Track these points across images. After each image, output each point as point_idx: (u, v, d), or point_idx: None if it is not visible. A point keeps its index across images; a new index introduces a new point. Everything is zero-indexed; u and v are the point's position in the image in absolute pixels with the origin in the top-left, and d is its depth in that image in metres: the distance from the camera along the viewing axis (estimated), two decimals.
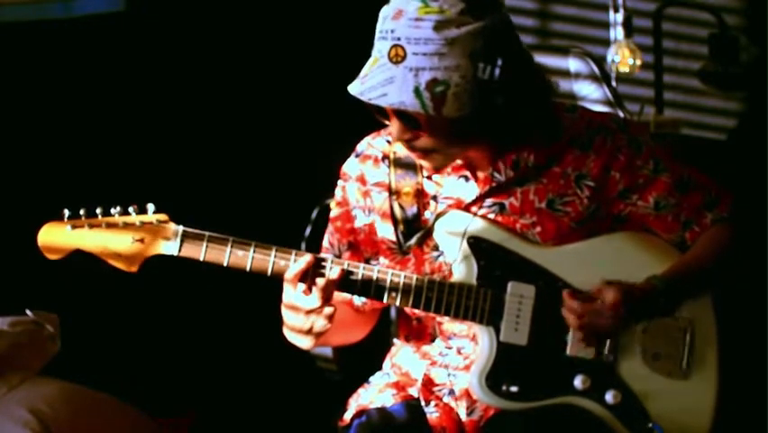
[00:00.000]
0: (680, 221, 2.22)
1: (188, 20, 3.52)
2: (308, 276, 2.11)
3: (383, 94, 2.04)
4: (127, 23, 3.40)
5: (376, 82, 2.04)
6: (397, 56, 2.03)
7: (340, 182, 2.33)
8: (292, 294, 2.10)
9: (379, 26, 2.07)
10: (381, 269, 2.16)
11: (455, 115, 2.04)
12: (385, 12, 2.06)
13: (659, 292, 2.16)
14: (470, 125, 2.08)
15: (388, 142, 2.28)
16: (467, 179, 2.21)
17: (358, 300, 2.32)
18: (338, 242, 2.32)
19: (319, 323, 2.10)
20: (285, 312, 2.13)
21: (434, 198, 2.24)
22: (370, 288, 2.15)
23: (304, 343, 2.15)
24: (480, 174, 2.21)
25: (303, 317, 2.10)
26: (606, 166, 2.19)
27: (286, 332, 2.17)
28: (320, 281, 2.09)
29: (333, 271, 2.13)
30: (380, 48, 2.05)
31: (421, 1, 2.02)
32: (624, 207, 2.21)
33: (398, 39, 2.03)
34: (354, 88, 2.07)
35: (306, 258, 2.12)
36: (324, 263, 2.14)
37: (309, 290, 2.10)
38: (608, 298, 2.12)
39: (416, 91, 2.03)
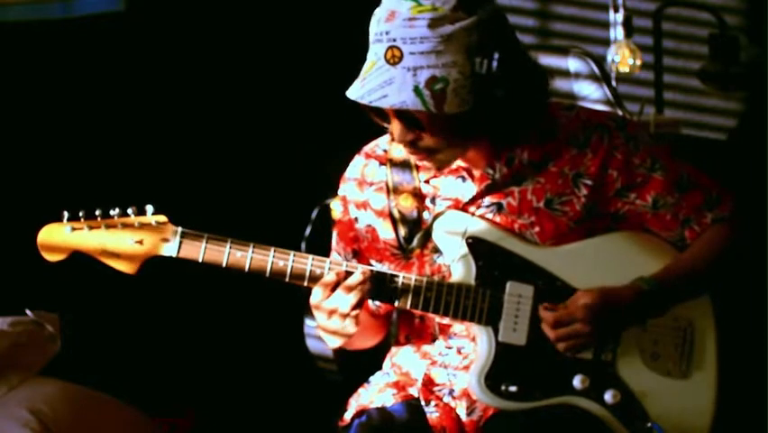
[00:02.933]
0: (678, 219, 2.22)
1: (188, 20, 3.52)
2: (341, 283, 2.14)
3: (383, 96, 2.04)
4: (127, 23, 3.40)
5: (375, 84, 2.04)
6: (394, 57, 2.03)
7: (340, 190, 2.34)
8: (327, 298, 2.13)
9: (372, 29, 2.06)
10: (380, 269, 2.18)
11: (456, 111, 2.04)
12: (377, 14, 2.06)
13: (646, 293, 2.16)
14: (470, 121, 2.08)
15: (385, 151, 2.29)
16: (464, 179, 2.22)
17: (372, 304, 2.33)
18: (343, 250, 2.34)
19: (350, 324, 2.13)
20: (319, 315, 2.15)
21: (433, 199, 2.24)
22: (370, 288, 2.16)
23: (335, 342, 2.18)
24: (476, 173, 2.21)
25: (339, 320, 2.13)
26: (603, 164, 2.19)
27: (320, 332, 2.20)
28: (359, 288, 2.12)
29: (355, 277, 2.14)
30: (376, 50, 2.05)
31: (413, 0, 2.03)
32: (622, 205, 2.21)
33: (394, 40, 2.02)
34: (353, 93, 2.06)
35: (358, 274, 2.13)
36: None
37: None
38: (579, 303, 2.13)
39: (416, 90, 2.03)
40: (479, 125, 2.11)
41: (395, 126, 2.12)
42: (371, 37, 2.06)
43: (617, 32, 3.76)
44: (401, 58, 2.02)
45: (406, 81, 2.03)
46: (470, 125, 2.10)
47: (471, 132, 2.13)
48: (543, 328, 2.16)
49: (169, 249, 2.15)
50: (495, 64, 2.04)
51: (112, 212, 2.14)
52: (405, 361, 2.35)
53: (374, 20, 2.07)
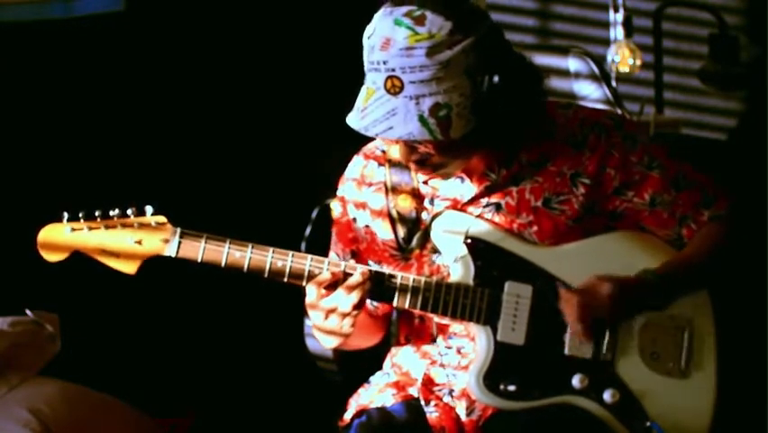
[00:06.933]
0: (675, 217, 2.22)
1: (188, 20, 3.52)
2: (339, 282, 2.14)
3: (389, 127, 2.04)
4: (127, 23, 3.40)
5: (379, 116, 2.04)
6: (395, 87, 2.02)
7: (339, 191, 2.34)
8: (322, 297, 2.13)
9: (367, 56, 2.05)
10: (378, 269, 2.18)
11: (462, 134, 2.05)
12: (371, 41, 2.04)
13: (651, 286, 2.16)
14: (474, 136, 2.09)
15: (383, 151, 2.29)
16: (462, 179, 2.22)
17: (370, 304, 2.33)
18: (342, 251, 2.34)
19: (348, 324, 2.13)
20: (316, 314, 2.15)
21: (431, 199, 2.24)
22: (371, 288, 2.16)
23: (332, 342, 2.19)
24: (475, 174, 2.21)
25: (337, 319, 2.13)
26: (601, 163, 2.19)
27: (315, 332, 2.20)
28: (360, 287, 2.12)
29: (355, 277, 2.14)
30: (374, 79, 2.04)
31: (408, 28, 2.00)
32: (620, 203, 2.21)
33: (393, 70, 2.01)
34: (355, 123, 2.06)
35: (359, 274, 2.13)
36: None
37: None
38: (604, 290, 2.13)
39: (421, 119, 2.02)
40: (482, 138, 2.12)
41: (400, 150, 2.12)
42: (366, 64, 2.05)
43: (617, 32, 3.76)
44: (402, 87, 2.02)
45: (410, 111, 2.02)
46: (474, 140, 2.11)
47: (475, 145, 2.14)
48: (562, 307, 2.15)
49: (169, 249, 2.15)
50: (495, 79, 2.04)
51: (111, 212, 2.14)
52: (405, 361, 2.35)
53: (367, 46, 2.05)
